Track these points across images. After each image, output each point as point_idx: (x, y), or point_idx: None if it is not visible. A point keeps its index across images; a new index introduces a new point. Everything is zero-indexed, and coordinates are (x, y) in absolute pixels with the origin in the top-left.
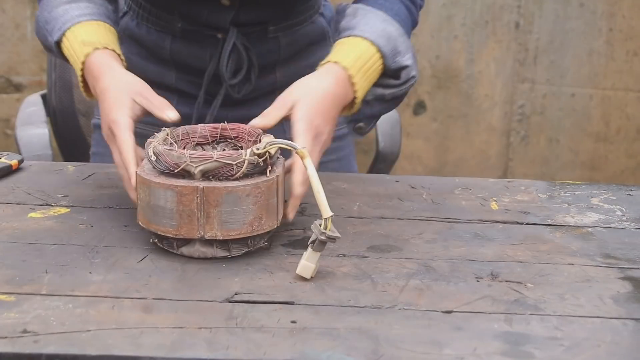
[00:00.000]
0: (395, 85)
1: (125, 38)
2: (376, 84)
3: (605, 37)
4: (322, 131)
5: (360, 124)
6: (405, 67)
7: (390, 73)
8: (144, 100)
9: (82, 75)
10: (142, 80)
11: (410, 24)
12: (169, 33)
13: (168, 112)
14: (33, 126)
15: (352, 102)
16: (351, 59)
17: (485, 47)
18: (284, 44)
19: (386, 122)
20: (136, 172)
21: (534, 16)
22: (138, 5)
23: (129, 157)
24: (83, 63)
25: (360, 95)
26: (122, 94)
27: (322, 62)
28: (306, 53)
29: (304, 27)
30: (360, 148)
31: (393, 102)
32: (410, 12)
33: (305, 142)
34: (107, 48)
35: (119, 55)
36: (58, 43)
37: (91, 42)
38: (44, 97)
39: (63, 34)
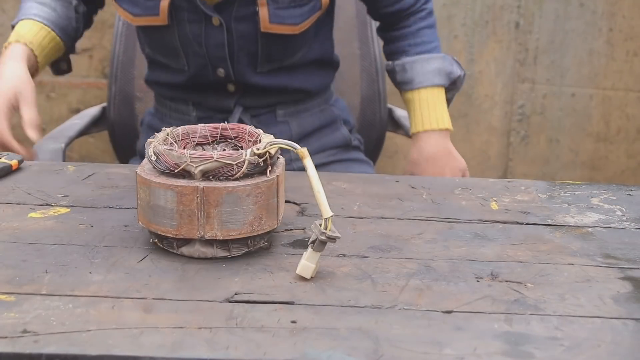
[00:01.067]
0: (451, 89)
1: (149, 130)
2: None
3: (606, 37)
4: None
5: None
6: (457, 77)
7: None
8: (19, 109)
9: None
10: (29, 86)
11: (436, 32)
12: (187, 122)
13: (30, 131)
14: (52, 140)
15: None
16: (426, 119)
17: (485, 47)
18: (294, 126)
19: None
20: (136, 171)
21: (534, 16)
22: (162, 104)
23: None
24: (5, 47)
25: (449, 125)
26: (2, 98)
27: (411, 132)
28: (318, 134)
29: (314, 113)
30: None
31: (453, 96)
32: (432, 25)
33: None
34: (26, 45)
35: (34, 55)
36: (13, 27)
37: (20, 36)
38: (104, 109)
39: (17, 23)
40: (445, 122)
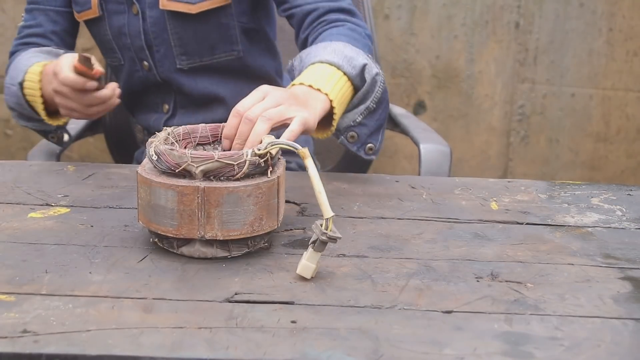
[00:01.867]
0: (368, 89)
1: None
2: (354, 105)
3: (605, 37)
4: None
5: (370, 145)
6: (364, 65)
7: (356, 82)
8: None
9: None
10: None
11: (358, 40)
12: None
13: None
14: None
15: (331, 111)
16: (312, 77)
17: (485, 47)
18: None
19: None
20: (137, 171)
21: (534, 16)
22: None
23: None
24: (40, 73)
25: (333, 97)
26: (65, 58)
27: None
28: None
29: None
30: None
31: (381, 106)
32: (355, 35)
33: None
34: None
35: None
36: (21, 83)
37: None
38: None
39: (25, 74)
40: (326, 87)
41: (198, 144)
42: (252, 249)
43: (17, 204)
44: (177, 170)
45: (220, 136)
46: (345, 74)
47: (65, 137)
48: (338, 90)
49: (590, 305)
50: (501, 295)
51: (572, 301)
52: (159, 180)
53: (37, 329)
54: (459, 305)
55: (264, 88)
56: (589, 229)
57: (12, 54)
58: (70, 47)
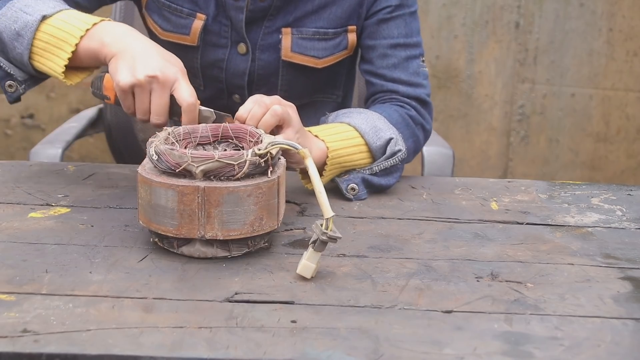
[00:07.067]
0: (381, 159)
1: None
2: (363, 168)
3: (605, 37)
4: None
5: (353, 186)
6: (389, 139)
7: (377, 154)
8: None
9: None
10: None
11: (406, 129)
12: None
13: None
14: (50, 145)
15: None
16: (325, 131)
17: (485, 47)
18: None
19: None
20: (137, 171)
21: (534, 16)
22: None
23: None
24: (94, 24)
25: (330, 147)
26: (175, 59)
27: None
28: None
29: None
30: None
31: (383, 173)
32: (408, 121)
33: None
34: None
35: None
36: (45, 17)
37: (96, 18)
38: (101, 110)
39: (57, 12)
40: (332, 142)
41: (198, 144)
42: (252, 248)
43: (17, 204)
44: (177, 170)
45: (221, 136)
46: (366, 142)
47: (21, 92)
48: (344, 148)
49: (590, 305)
50: (501, 295)
51: (572, 301)
52: (159, 180)
53: (37, 328)
54: (459, 305)
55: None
56: (589, 229)
57: None
58: None
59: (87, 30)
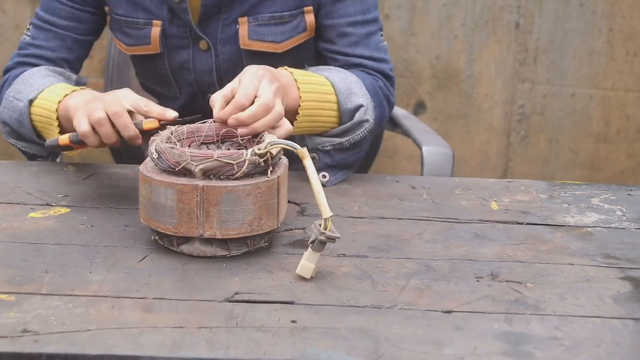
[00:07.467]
0: (350, 129)
1: None
2: (333, 134)
3: (606, 37)
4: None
5: (324, 174)
6: (359, 106)
7: (345, 117)
8: (144, 106)
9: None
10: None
11: (376, 97)
12: None
13: (168, 113)
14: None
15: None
16: (305, 77)
17: (485, 47)
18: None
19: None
20: (139, 169)
21: (534, 16)
22: None
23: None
24: (64, 95)
25: (303, 97)
26: (127, 91)
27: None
28: None
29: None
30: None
31: (354, 150)
32: (377, 90)
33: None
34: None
35: None
36: (31, 101)
37: (70, 88)
38: None
39: (39, 92)
40: (306, 94)
41: (202, 143)
42: (251, 248)
43: (17, 204)
44: (176, 169)
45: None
46: (338, 101)
47: (58, 159)
48: (316, 101)
49: (590, 305)
50: (501, 295)
51: (572, 301)
52: (159, 178)
53: (37, 328)
54: (459, 305)
55: (258, 73)
56: (589, 229)
57: (11, 69)
58: (76, 73)
59: (59, 102)
